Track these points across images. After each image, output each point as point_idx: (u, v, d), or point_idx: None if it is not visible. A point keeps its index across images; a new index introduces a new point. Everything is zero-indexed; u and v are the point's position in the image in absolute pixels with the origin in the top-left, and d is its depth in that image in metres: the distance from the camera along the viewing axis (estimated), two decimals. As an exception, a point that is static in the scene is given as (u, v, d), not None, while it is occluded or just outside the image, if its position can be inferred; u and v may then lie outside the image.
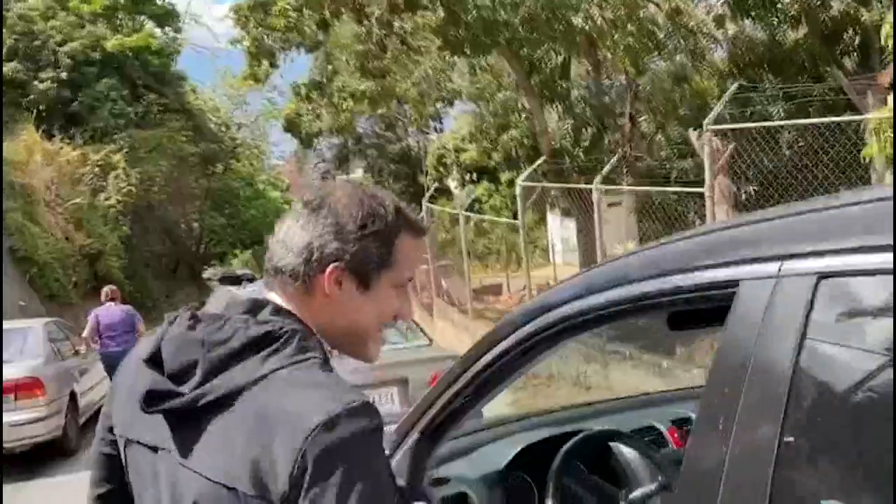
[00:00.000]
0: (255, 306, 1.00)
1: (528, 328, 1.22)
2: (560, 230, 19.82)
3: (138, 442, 1.00)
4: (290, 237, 1.02)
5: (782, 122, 6.74)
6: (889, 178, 6.75)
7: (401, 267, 1.04)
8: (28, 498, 5.66)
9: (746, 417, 0.77)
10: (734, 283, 0.83)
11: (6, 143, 15.76)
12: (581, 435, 1.40)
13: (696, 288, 0.92)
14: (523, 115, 16.02)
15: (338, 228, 1.00)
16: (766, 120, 8.93)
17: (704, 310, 1.02)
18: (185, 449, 0.93)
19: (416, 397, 4.42)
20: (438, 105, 19.03)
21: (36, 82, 21.07)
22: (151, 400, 0.94)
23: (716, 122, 5.51)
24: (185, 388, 0.93)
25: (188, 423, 0.93)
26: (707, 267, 0.90)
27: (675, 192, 8.52)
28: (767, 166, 8.45)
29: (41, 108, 20.63)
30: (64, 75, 21.46)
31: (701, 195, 9.00)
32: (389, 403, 4.40)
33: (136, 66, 23.88)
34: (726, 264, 0.86)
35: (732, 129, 6.19)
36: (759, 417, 0.76)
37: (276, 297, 1.03)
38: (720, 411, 0.80)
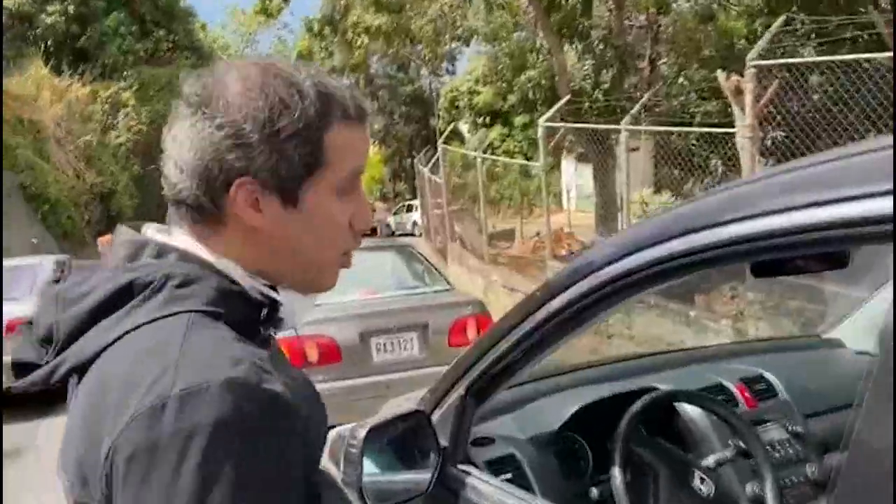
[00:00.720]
0: (137, 249, 0.77)
1: (594, 279, 1.03)
2: (574, 176, 19.47)
3: None
4: (180, 152, 0.75)
5: (834, 58, 6.36)
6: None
7: (338, 165, 0.76)
8: (43, 435, 5.65)
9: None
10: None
11: (13, 79, 15.48)
12: (648, 396, 1.23)
13: (834, 224, 0.72)
14: (541, 56, 15.53)
15: (236, 133, 0.72)
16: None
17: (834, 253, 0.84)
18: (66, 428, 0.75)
19: (435, 343, 4.30)
20: (453, 44, 18.48)
21: (43, 16, 20.58)
22: (18, 373, 0.76)
23: (748, 60, 5.20)
24: (48, 357, 0.73)
25: (72, 397, 0.75)
26: (860, 197, 0.70)
27: (708, 134, 8.19)
28: (796, 110, 8.10)
29: (49, 42, 20.22)
30: (71, 9, 20.93)
31: (724, 140, 8.73)
32: (409, 349, 4.28)
33: (144, 0, 23.30)
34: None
35: (777, 65, 5.85)
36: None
37: (180, 236, 0.78)
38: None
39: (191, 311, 0.70)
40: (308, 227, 0.77)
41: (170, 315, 0.70)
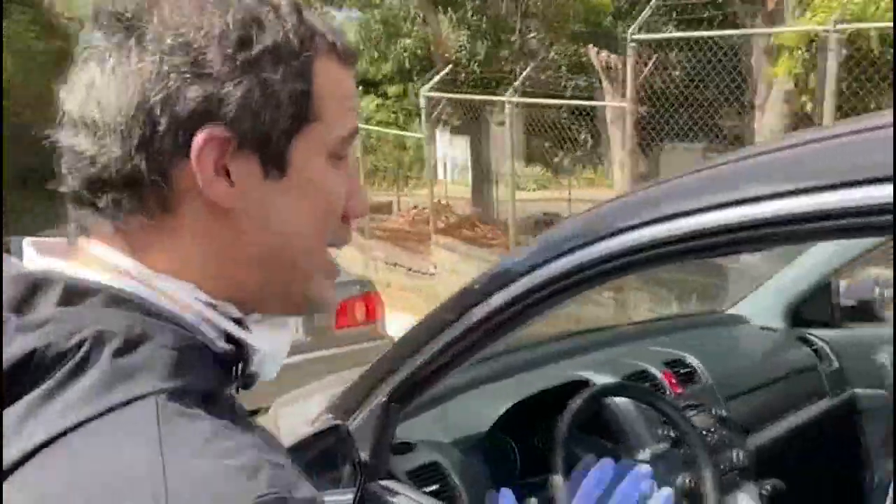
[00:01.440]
0: (34, 289, 0.46)
1: (527, 282, 0.93)
2: (449, 148, 19.57)
3: None
4: (101, 105, 0.47)
5: (710, 33, 6.69)
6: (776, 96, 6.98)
7: (333, 117, 0.52)
8: None
9: None
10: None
11: None
12: (585, 393, 1.14)
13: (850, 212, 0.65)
14: (415, 25, 15.33)
15: (196, 58, 0.46)
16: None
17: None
18: None
19: (320, 326, 4.09)
20: (324, 9, 17.86)
21: None
22: None
23: (629, 34, 5.35)
24: None
25: None
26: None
27: (576, 108, 8.50)
28: (658, 86, 8.50)
29: None
30: None
31: (592, 114, 9.06)
32: (293, 333, 4.05)
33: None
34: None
35: (653, 41, 6.06)
36: None
37: (92, 253, 0.49)
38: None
39: (153, 395, 0.42)
40: (298, 205, 0.51)
41: (118, 407, 0.41)
